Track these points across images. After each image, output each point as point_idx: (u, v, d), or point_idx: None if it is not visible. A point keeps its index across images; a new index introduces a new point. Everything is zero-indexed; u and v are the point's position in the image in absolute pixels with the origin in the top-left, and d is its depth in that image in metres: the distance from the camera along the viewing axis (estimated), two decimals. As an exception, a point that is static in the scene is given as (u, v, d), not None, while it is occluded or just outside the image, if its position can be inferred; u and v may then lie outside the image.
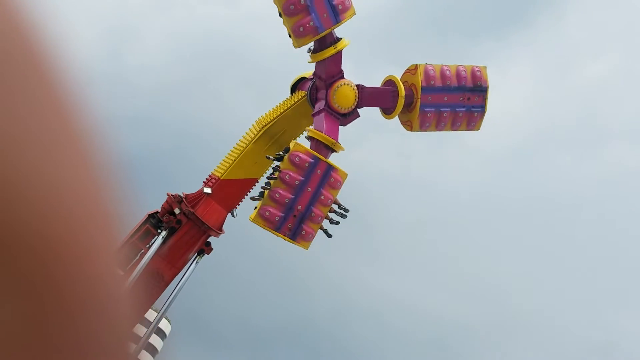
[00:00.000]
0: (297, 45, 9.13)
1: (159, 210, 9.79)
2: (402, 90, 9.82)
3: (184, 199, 9.69)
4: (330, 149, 9.22)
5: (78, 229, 0.41)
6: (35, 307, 0.39)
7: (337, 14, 9.00)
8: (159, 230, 9.69)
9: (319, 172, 8.85)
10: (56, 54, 0.42)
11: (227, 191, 9.95)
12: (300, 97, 10.00)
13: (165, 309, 10.17)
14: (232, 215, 10.13)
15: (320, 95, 9.72)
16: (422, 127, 10.04)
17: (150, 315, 11.01)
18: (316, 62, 9.64)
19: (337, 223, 9.29)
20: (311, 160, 8.76)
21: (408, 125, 10.19)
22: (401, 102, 9.82)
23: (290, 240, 8.86)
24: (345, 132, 10.01)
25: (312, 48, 9.52)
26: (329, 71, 9.55)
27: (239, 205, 10.22)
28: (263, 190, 8.88)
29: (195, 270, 10.14)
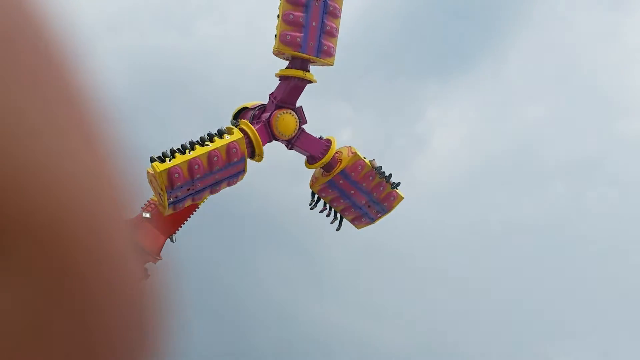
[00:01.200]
0: (276, 48, 9.57)
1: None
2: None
3: (121, 224, 9.54)
4: (253, 154, 9.56)
5: (94, 211, 0.40)
6: (55, 292, 0.38)
7: (320, 51, 9.50)
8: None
9: (235, 169, 9.21)
10: (66, 46, 0.42)
11: (167, 216, 9.86)
12: (242, 124, 10.14)
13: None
14: (172, 241, 10.04)
15: (264, 116, 9.97)
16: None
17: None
18: (280, 81, 10.00)
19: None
20: (240, 158, 9.13)
21: (312, 181, 10.40)
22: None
23: (166, 205, 8.86)
24: (293, 161, 10.44)
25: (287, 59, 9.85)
26: (285, 97, 9.90)
27: (178, 230, 10.16)
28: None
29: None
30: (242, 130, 9.48)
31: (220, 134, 9.24)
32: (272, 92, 10.15)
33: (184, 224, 10.17)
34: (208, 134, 9.15)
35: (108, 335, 0.43)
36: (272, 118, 9.88)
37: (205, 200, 10.05)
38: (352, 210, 10.33)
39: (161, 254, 10.05)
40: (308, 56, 9.56)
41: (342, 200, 10.20)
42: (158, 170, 8.57)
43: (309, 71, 9.87)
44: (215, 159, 8.96)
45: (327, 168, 10.08)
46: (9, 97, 0.36)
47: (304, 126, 10.20)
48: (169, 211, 9.04)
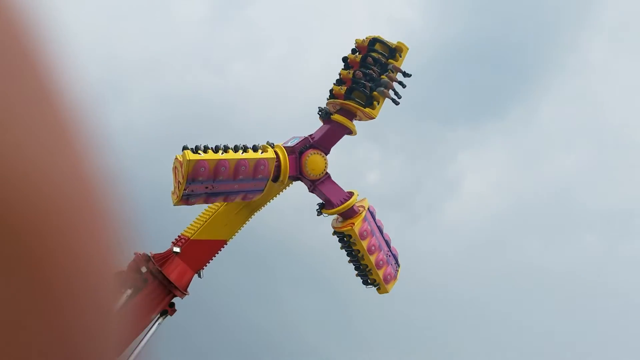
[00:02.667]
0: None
1: (125, 269, 9.70)
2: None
3: (151, 258, 9.65)
4: (277, 177, 9.89)
5: (69, 227, 0.41)
6: (22, 300, 0.38)
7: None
8: (123, 290, 9.58)
9: (256, 185, 9.60)
10: (53, 58, 0.42)
11: (197, 251, 9.96)
12: (277, 148, 10.31)
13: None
14: (199, 276, 10.07)
15: (296, 148, 10.30)
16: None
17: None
18: (322, 125, 10.52)
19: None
20: (265, 177, 9.56)
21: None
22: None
23: (180, 195, 9.06)
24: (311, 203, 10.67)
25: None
26: (323, 140, 10.41)
27: (206, 265, 10.21)
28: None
29: (157, 332, 9.94)
30: (275, 152, 9.79)
31: (255, 149, 9.62)
32: (312, 134, 10.42)
33: (211, 259, 10.24)
34: (243, 145, 9.54)
35: (76, 334, 0.43)
36: (303, 155, 10.15)
37: (218, 202, 9.97)
38: (385, 257, 10.53)
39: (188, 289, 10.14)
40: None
41: (377, 243, 10.41)
42: (187, 159, 8.83)
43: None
44: (243, 168, 9.28)
45: (344, 215, 10.30)
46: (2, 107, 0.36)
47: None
48: (179, 202, 9.11)
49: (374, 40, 10.18)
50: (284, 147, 10.06)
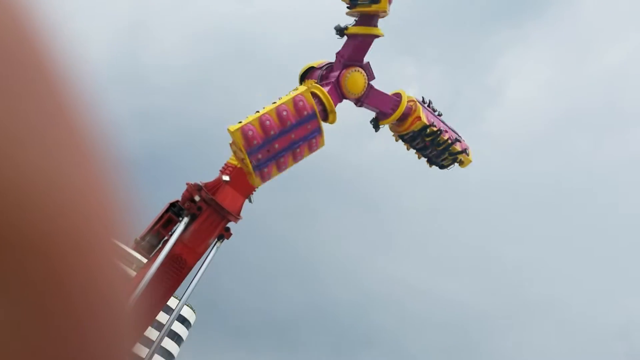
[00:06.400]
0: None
1: (179, 199, 10.26)
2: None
3: (203, 187, 10.12)
4: (326, 113, 9.66)
5: (81, 226, 0.40)
6: (37, 306, 0.38)
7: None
8: (181, 218, 10.15)
9: (309, 127, 9.13)
10: (59, 49, 0.41)
11: (244, 178, 10.32)
12: (309, 85, 10.38)
13: (188, 295, 10.57)
14: (250, 201, 10.54)
15: (333, 76, 10.17)
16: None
17: (173, 303, 11.29)
18: (345, 41, 10.16)
19: None
20: (310, 112, 9.11)
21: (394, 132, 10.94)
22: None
23: (251, 170, 8.79)
24: (360, 124, 10.75)
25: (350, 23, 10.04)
26: (353, 54, 10.07)
27: (255, 191, 10.62)
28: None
29: (215, 256, 10.57)
30: (311, 93, 9.43)
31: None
32: (339, 51, 10.27)
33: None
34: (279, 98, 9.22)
35: (88, 354, 0.42)
36: (341, 77, 10.02)
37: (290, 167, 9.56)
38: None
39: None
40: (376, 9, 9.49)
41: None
42: (232, 130, 8.56)
43: (376, 26, 9.95)
44: (285, 113, 8.89)
45: (401, 118, 10.43)
46: (6, 105, 0.36)
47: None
48: (257, 180, 8.89)
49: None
50: (316, 80, 10.11)
